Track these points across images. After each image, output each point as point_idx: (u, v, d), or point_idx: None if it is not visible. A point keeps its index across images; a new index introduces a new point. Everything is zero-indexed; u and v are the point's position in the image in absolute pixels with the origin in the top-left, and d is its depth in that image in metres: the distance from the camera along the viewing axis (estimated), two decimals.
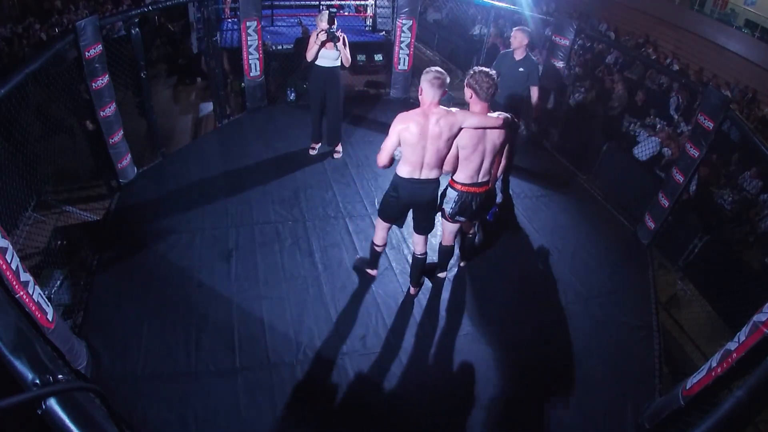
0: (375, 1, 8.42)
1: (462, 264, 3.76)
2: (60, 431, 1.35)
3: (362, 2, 9.26)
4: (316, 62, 4.42)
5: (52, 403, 1.35)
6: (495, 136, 2.86)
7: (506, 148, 3.01)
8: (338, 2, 9.20)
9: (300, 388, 2.82)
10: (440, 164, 2.86)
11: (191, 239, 3.79)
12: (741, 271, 3.97)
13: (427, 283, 3.56)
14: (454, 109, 2.78)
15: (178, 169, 4.63)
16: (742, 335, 2.34)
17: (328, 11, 4.26)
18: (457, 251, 3.63)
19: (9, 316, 1.72)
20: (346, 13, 9.25)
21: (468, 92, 2.81)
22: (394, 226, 3.24)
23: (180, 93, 7.18)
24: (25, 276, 2.25)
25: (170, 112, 6.56)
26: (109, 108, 3.95)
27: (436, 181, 2.91)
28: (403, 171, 2.86)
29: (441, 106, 2.75)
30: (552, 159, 5.56)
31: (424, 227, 3.14)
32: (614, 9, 13.07)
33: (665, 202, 4.14)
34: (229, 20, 7.73)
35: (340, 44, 4.32)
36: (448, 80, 2.74)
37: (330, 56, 4.39)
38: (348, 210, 4.25)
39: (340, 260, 3.72)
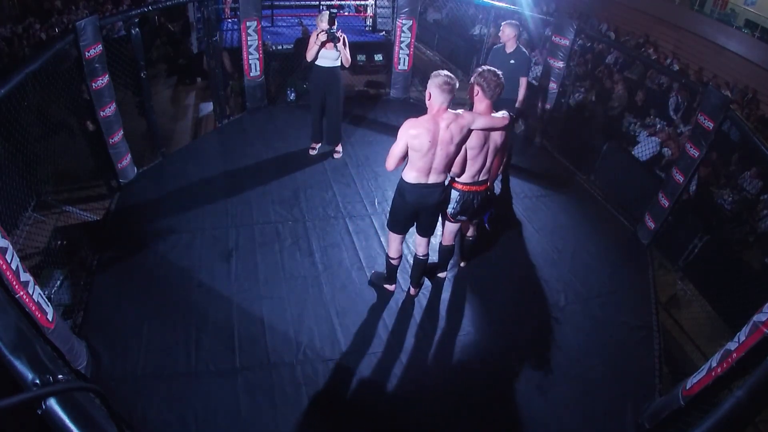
0: (375, 1, 8.43)
1: (462, 264, 3.76)
2: (60, 431, 1.35)
3: (362, 2, 9.26)
4: (316, 62, 4.42)
5: (52, 403, 1.36)
6: (497, 136, 2.86)
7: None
8: (338, 2, 9.20)
9: (300, 388, 2.82)
10: (448, 168, 2.83)
11: (191, 239, 3.79)
12: (741, 271, 3.96)
13: (427, 283, 3.56)
14: (460, 111, 2.75)
15: (178, 169, 4.63)
16: (742, 335, 2.34)
17: (328, 11, 4.26)
18: (456, 252, 3.63)
19: (9, 316, 1.72)
20: (346, 13, 9.25)
21: (475, 90, 2.80)
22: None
23: (180, 93, 7.18)
24: (25, 276, 2.25)
25: (170, 112, 6.56)
26: (109, 108, 3.95)
27: (442, 185, 2.89)
28: (410, 176, 2.81)
29: (449, 110, 2.70)
30: (552, 159, 5.56)
31: (427, 229, 3.12)
32: (614, 9, 13.07)
33: (665, 202, 4.14)
34: (229, 20, 7.74)
35: (340, 44, 4.32)
36: (457, 85, 2.67)
37: (330, 56, 4.39)
38: (348, 210, 4.25)
39: (340, 260, 3.72)
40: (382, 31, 8.12)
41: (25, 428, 1.51)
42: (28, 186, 3.65)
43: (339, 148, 4.99)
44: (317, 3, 8.75)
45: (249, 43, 5.29)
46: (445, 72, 2.69)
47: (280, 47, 7.07)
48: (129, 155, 4.34)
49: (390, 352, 3.07)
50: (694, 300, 4.11)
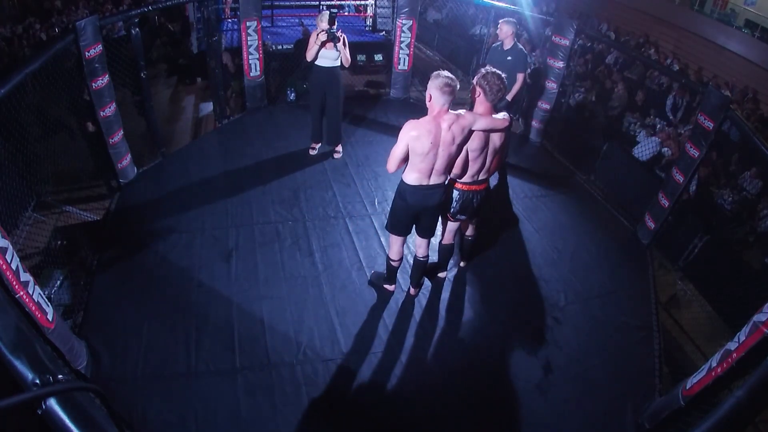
0: (375, 1, 8.43)
1: (462, 264, 3.76)
2: (60, 431, 1.35)
3: (362, 2, 9.26)
4: (316, 62, 4.42)
5: (52, 403, 1.36)
6: (497, 137, 2.87)
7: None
8: (338, 2, 9.20)
9: (300, 388, 2.82)
10: (449, 169, 2.83)
11: (191, 239, 3.79)
12: (741, 271, 3.97)
13: (427, 283, 3.56)
14: (461, 111, 2.75)
15: (178, 169, 4.63)
16: (742, 335, 2.34)
17: (328, 12, 4.26)
18: (456, 252, 3.63)
19: (9, 316, 1.72)
20: (346, 13, 9.25)
21: (477, 91, 2.80)
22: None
23: (180, 93, 7.18)
24: (25, 276, 2.26)
25: (170, 112, 6.56)
26: (109, 108, 3.95)
27: (443, 186, 2.88)
28: (411, 178, 2.79)
29: (450, 111, 2.69)
30: (552, 159, 5.56)
31: (427, 231, 3.11)
32: (614, 9, 13.05)
33: (665, 202, 4.14)
34: (229, 20, 7.74)
35: (340, 44, 4.32)
36: (458, 86, 2.66)
37: (330, 56, 4.39)
38: (348, 210, 4.25)
39: (340, 260, 3.72)
40: (382, 31, 8.13)
41: (25, 428, 1.51)
42: (28, 186, 3.65)
43: (339, 148, 4.99)
44: (317, 3, 8.75)
45: (249, 43, 5.29)
46: (446, 73, 2.66)
47: (280, 47, 7.07)
48: (129, 155, 4.34)
49: (390, 352, 3.07)
50: (694, 300, 4.11)
